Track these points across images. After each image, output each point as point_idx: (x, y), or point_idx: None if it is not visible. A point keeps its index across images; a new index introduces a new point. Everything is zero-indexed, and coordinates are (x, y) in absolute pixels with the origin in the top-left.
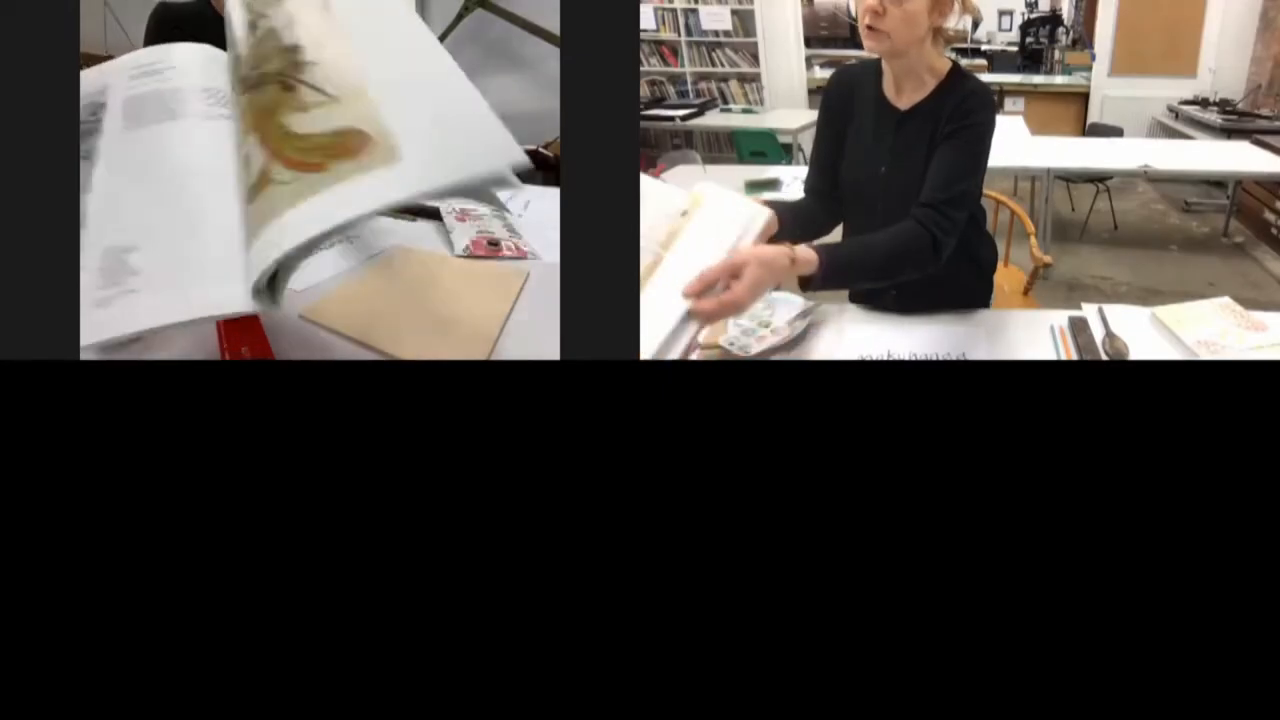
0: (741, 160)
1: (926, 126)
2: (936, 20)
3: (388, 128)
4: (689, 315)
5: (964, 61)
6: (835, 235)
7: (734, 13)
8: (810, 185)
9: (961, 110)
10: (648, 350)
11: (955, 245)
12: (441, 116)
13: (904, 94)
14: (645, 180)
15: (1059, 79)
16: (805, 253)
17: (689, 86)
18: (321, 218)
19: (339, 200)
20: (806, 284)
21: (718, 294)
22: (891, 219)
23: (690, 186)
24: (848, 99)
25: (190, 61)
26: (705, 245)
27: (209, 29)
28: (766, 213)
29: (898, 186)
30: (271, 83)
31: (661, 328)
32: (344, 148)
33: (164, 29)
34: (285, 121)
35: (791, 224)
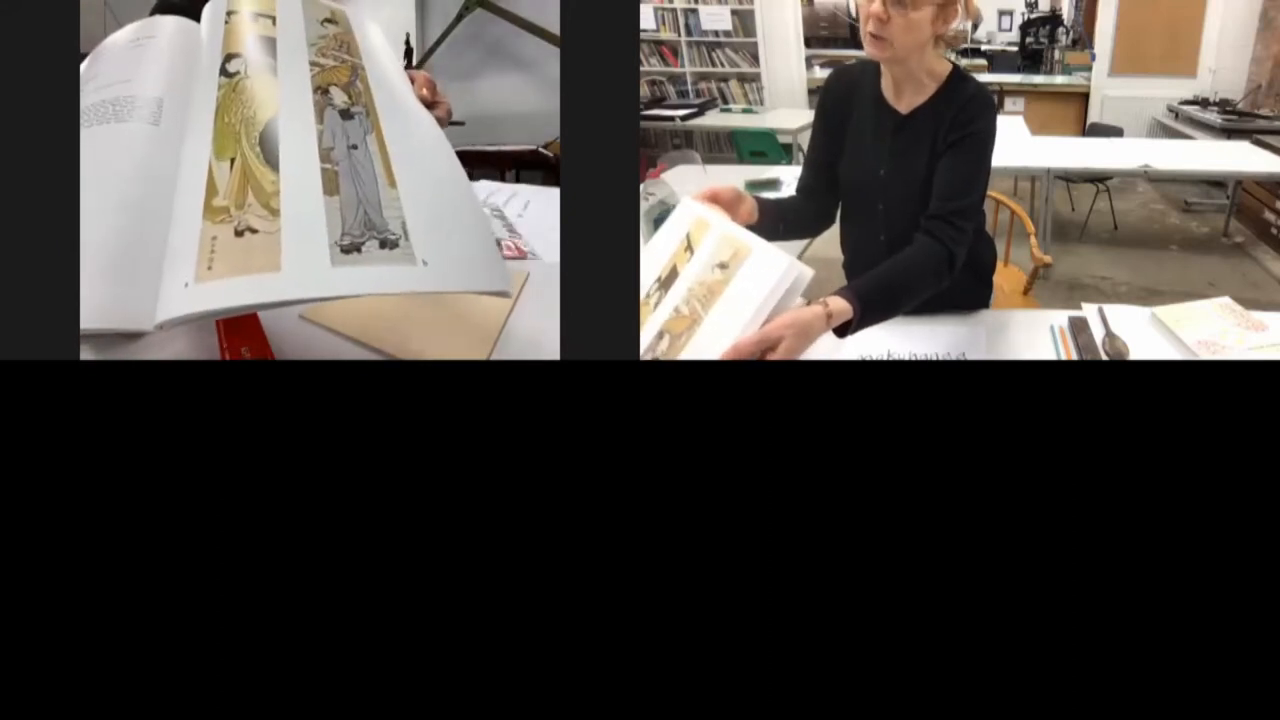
0: (741, 160)
1: (927, 130)
2: (939, 29)
3: (411, 231)
4: None
5: (964, 62)
6: (829, 236)
7: (734, 13)
8: (803, 184)
9: (964, 117)
10: None
11: None
12: (457, 234)
13: (904, 97)
14: (681, 226)
15: (1059, 79)
16: (840, 304)
17: (689, 86)
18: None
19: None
20: (843, 331)
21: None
22: (891, 221)
23: (694, 185)
24: (846, 100)
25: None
26: (744, 309)
27: None
28: (808, 273)
29: (898, 189)
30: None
31: None
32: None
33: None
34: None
35: (775, 220)
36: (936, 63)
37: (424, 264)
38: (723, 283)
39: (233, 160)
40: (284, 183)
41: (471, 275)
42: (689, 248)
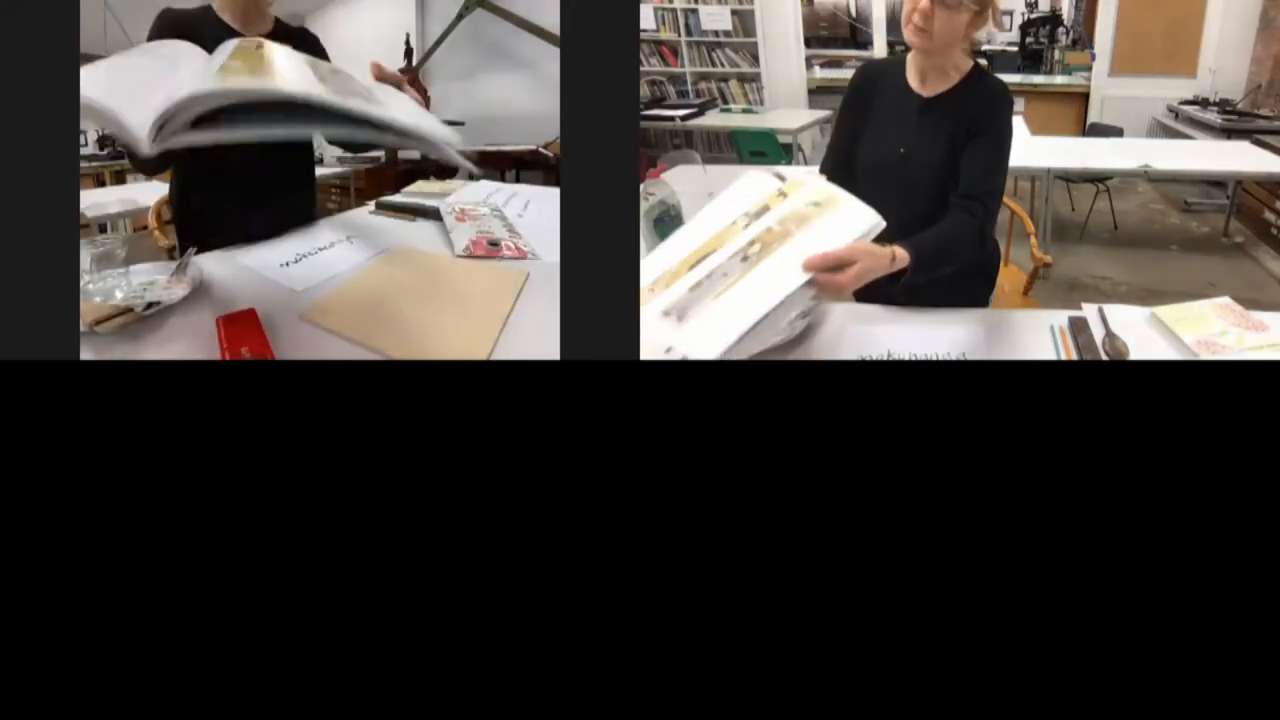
0: (741, 160)
1: (949, 114)
2: (972, 31)
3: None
4: (809, 284)
5: None
6: None
7: (734, 13)
8: (824, 169)
9: (991, 106)
10: (768, 302)
11: None
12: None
13: (928, 84)
14: (798, 172)
15: (1059, 79)
16: (902, 253)
17: (689, 86)
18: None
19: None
20: (896, 279)
21: (829, 275)
22: (906, 200)
23: (694, 185)
24: (873, 86)
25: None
26: (832, 239)
27: (209, 33)
28: (882, 223)
29: (916, 169)
30: None
31: (786, 286)
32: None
33: (167, 33)
34: None
35: None
36: (962, 59)
37: (393, 113)
38: (815, 216)
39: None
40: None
41: (435, 130)
42: (782, 194)
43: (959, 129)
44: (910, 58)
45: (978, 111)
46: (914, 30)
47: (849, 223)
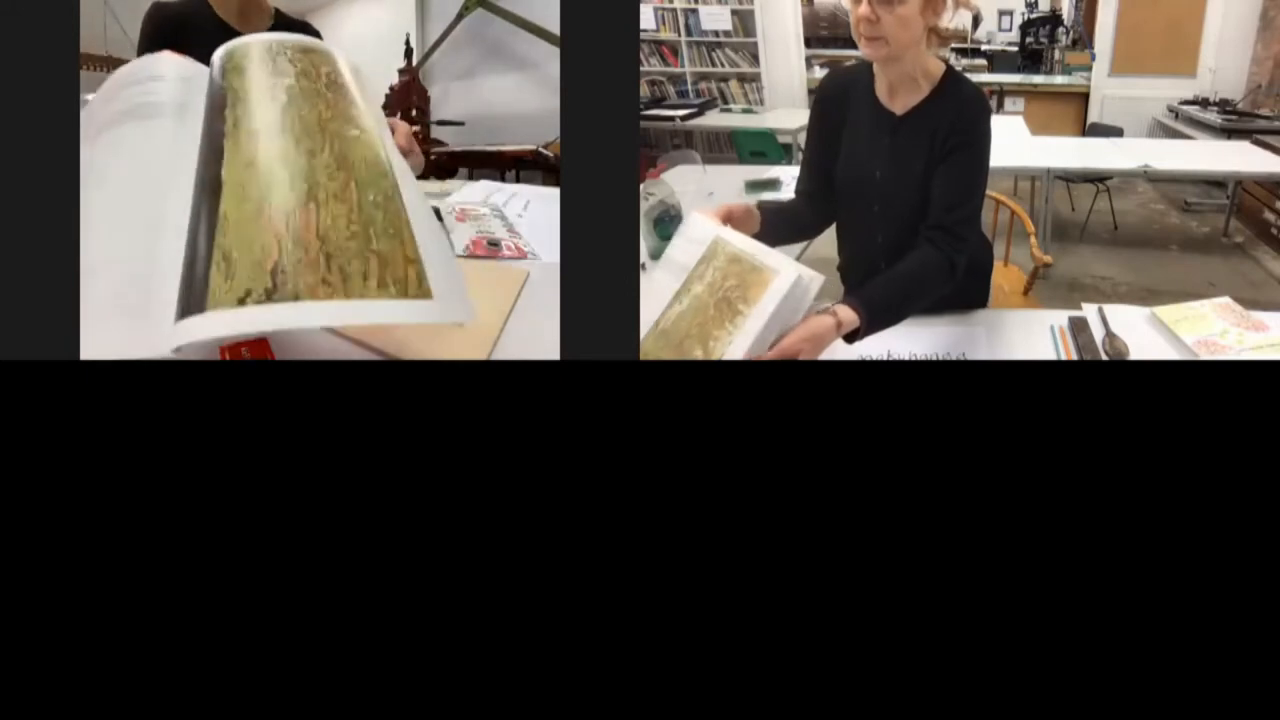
0: (741, 160)
1: (923, 132)
2: (930, 20)
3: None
4: None
5: (964, 62)
6: (827, 236)
7: (734, 13)
8: (801, 187)
9: (963, 122)
10: None
11: None
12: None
13: (898, 98)
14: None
15: (1059, 79)
16: (847, 314)
17: (689, 86)
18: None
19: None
20: (852, 338)
21: None
22: (887, 223)
23: (694, 185)
24: (841, 102)
25: (173, 73)
26: (780, 321)
27: (203, 29)
28: (820, 280)
29: (893, 191)
30: None
31: None
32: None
33: (159, 29)
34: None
35: (776, 226)
36: (931, 63)
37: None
38: (760, 302)
39: None
40: None
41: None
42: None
43: (935, 145)
44: (876, 69)
45: (953, 126)
46: (868, 43)
47: (797, 301)
